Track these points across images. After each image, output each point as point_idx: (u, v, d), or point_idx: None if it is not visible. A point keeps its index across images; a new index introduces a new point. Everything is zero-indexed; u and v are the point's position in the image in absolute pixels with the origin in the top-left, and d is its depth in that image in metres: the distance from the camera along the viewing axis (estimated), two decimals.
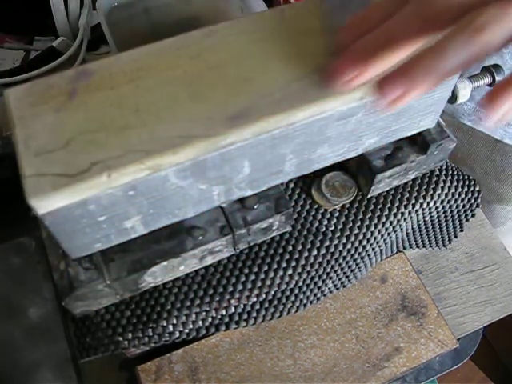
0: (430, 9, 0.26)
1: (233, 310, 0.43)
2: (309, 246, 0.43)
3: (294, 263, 0.43)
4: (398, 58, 0.27)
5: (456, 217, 0.50)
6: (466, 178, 0.48)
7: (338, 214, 0.44)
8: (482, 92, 0.56)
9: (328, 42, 0.31)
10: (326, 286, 0.45)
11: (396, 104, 0.26)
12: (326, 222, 0.44)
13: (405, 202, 0.45)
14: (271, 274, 0.42)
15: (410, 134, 0.38)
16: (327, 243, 0.43)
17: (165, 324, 0.40)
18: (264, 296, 0.43)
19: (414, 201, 0.45)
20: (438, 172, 0.46)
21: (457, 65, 0.25)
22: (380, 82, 0.26)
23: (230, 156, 0.30)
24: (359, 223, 0.44)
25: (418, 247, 0.52)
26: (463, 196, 0.48)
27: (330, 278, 0.45)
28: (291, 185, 0.45)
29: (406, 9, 0.27)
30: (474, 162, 0.67)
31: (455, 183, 0.47)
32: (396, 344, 0.48)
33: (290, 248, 0.43)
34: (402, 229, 0.47)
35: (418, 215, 0.47)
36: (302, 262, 0.43)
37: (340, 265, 0.45)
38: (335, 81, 0.28)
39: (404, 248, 0.52)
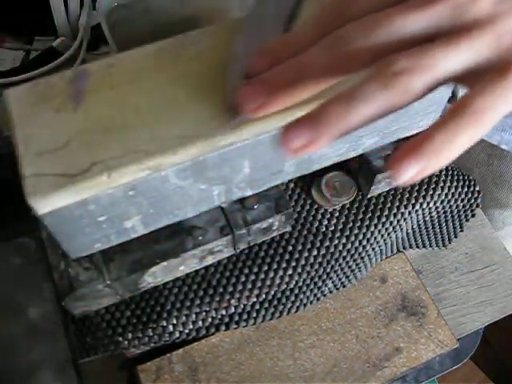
0: (346, 45, 0.23)
1: (233, 310, 0.43)
2: (309, 246, 0.43)
3: (293, 263, 0.43)
4: (310, 94, 0.25)
5: (456, 217, 0.50)
6: (466, 178, 0.48)
7: (337, 214, 0.44)
8: None
9: None
10: (325, 286, 0.45)
11: (300, 152, 0.23)
12: (326, 222, 0.44)
13: (405, 202, 0.45)
14: (271, 274, 0.42)
15: (410, 134, 0.38)
16: (327, 243, 0.43)
17: (165, 324, 0.40)
18: (264, 296, 0.43)
19: (413, 201, 0.45)
20: (437, 172, 0.46)
21: (366, 116, 0.23)
22: (285, 129, 0.23)
23: (230, 156, 0.30)
24: (359, 223, 0.44)
25: (417, 247, 0.52)
26: (463, 196, 0.48)
27: (330, 278, 0.45)
28: (291, 185, 0.45)
29: (322, 42, 0.24)
30: (472, 166, 0.67)
31: (455, 183, 0.47)
32: (396, 344, 0.48)
33: (290, 248, 0.43)
34: (401, 229, 0.47)
35: (417, 215, 0.47)
36: (302, 262, 0.43)
37: (340, 265, 0.45)
38: (241, 106, 0.26)
39: (404, 248, 0.52)
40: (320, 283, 0.45)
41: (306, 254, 0.43)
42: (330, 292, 0.47)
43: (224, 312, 0.42)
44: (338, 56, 0.24)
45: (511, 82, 0.22)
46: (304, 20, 0.30)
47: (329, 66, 0.24)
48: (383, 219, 0.44)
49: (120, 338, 0.40)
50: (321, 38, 0.24)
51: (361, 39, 0.23)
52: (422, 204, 0.45)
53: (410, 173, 0.22)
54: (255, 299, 0.43)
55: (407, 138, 0.40)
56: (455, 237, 0.53)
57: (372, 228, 0.44)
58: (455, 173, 0.47)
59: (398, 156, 0.22)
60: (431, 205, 0.46)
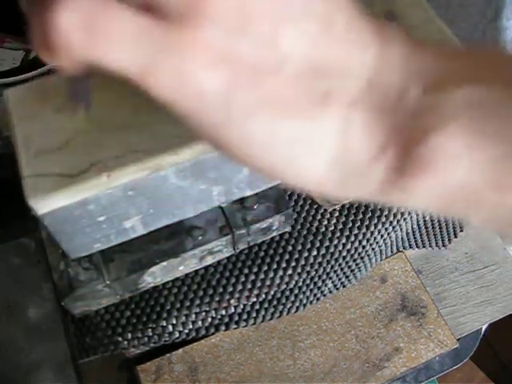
0: None
1: (232, 310, 0.43)
2: (309, 246, 0.43)
3: (293, 263, 0.43)
4: None
5: (456, 217, 0.50)
6: None
7: (337, 214, 0.44)
8: None
9: None
10: (325, 286, 0.45)
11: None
12: (325, 222, 0.44)
13: None
14: (271, 274, 0.42)
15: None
16: (327, 243, 0.43)
17: (164, 324, 0.40)
18: (264, 296, 0.43)
19: None
20: None
21: None
22: None
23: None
24: (359, 223, 0.44)
25: (417, 247, 0.52)
26: None
27: (330, 278, 0.45)
28: None
29: None
30: None
31: None
32: (396, 344, 0.48)
33: (290, 248, 0.43)
34: (401, 229, 0.47)
35: (418, 215, 0.47)
36: (302, 262, 0.43)
37: (340, 265, 0.45)
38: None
39: (404, 248, 0.52)
40: (320, 283, 0.45)
41: (305, 254, 0.43)
42: (330, 292, 0.47)
43: (224, 312, 0.42)
44: None
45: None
46: None
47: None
48: (383, 219, 0.44)
49: (120, 338, 0.40)
50: None
51: None
52: None
53: None
54: (255, 299, 0.43)
55: None
56: (455, 237, 0.53)
57: (372, 228, 0.44)
58: None
59: None
60: None
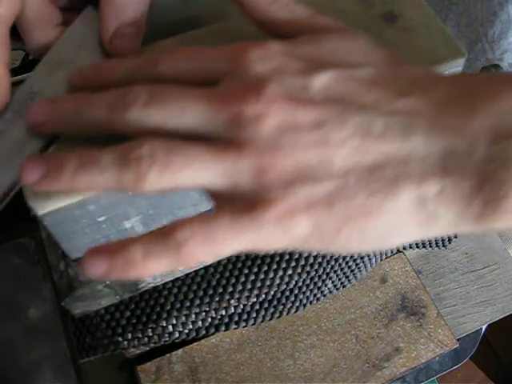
0: (122, 108, 0.22)
1: (232, 310, 0.43)
2: None
3: (293, 263, 0.43)
4: (82, 133, 0.24)
5: None
6: None
7: None
8: None
9: None
10: (325, 286, 0.45)
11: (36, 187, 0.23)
12: None
13: None
14: (271, 274, 0.42)
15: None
16: None
17: (164, 324, 0.40)
18: (264, 296, 0.43)
19: None
20: None
21: (92, 185, 0.22)
22: (25, 164, 0.22)
23: None
24: None
25: (417, 247, 0.52)
26: None
27: (330, 279, 0.45)
28: None
29: (108, 94, 0.23)
30: None
31: None
32: (396, 344, 0.48)
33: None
34: None
35: None
36: (302, 262, 0.43)
37: (340, 265, 0.45)
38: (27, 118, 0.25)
39: (404, 248, 0.52)
40: (320, 283, 0.45)
41: (305, 254, 0.43)
42: (330, 292, 0.47)
43: (224, 312, 0.42)
44: (110, 115, 0.22)
45: (251, 222, 0.20)
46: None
47: (99, 119, 0.23)
48: None
49: (120, 338, 0.40)
50: (130, 79, 0.23)
51: (136, 108, 0.21)
52: None
53: (95, 270, 0.21)
54: (255, 299, 0.43)
55: None
56: (455, 237, 0.53)
57: None
58: None
59: (94, 249, 0.21)
60: None
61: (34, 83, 0.28)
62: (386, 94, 0.21)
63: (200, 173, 0.20)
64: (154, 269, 0.20)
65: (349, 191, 0.20)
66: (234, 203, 0.20)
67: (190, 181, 0.21)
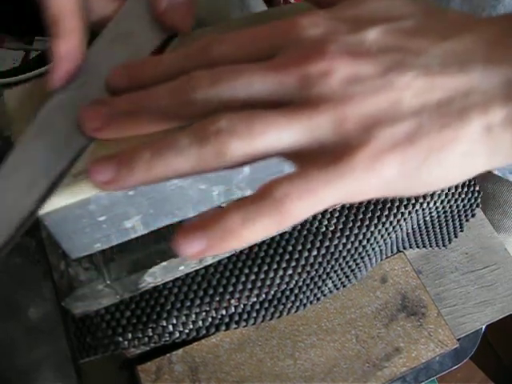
0: (188, 93, 0.22)
1: (233, 309, 0.43)
2: (309, 246, 0.43)
3: (293, 263, 0.43)
4: (148, 131, 0.24)
5: (456, 217, 0.50)
6: None
7: (337, 214, 0.44)
8: None
9: None
10: (325, 286, 0.45)
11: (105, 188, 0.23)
12: (325, 222, 0.44)
13: (405, 202, 0.45)
14: (271, 274, 0.42)
15: None
16: (327, 243, 0.43)
17: (165, 324, 0.40)
18: (264, 296, 0.43)
19: (413, 201, 0.45)
20: None
21: (175, 170, 0.21)
22: (91, 166, 0.23)
23: None
24: (359, 223, 0.44)
25: (417, 247, 0.52)
26: (463, 196, 0.48)
27: (330, 278, 0.45)
28: None
29: (168, 83, 0.23)
30: None
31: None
32: (396, 344, 0.48)
33: (290, 248, 0.43)
34: (401, 229, 0.47)
35: (418, 215, 0.47)
36: (302, 262, 0.43)
37: (340, 265, 0.45)
38: (80, 124, 0.25)
39: (404, 248, 0.52)
40: (320, 283, 0.45)
41: (305, 254, 0.43)
42: (330, 292, 0.47)
43: (224, 312, 0.42)
44: (176, 101, 0.22)
45: (341, 170, 0.20)
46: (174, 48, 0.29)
47: (165, 109, 0.23)
48: (383, 219, 0.44)
49: (120, 338, 0.40)
50: (181, 70, 0.23)
51: (203, 90, 0.22)
52: (422, 204, 0.45)
53: (191, 250, 0.20)
54: (255, 299, 0.43)
55: None
56: (455, 237, 0.53)
57: (372, 228, 0.44)
58: None
59: (185, 228, 0.21)
60: (431, 205, 0.46)
61: (92, 55, 0.28)
62: (434, 39, 0.22)
63: (281, 135, 0.21)
64: (255, 234, 0.21)
65: (424, 127, 0.21)
66: (318, 159, 0.21)
67: (272, 145, 0.21)
